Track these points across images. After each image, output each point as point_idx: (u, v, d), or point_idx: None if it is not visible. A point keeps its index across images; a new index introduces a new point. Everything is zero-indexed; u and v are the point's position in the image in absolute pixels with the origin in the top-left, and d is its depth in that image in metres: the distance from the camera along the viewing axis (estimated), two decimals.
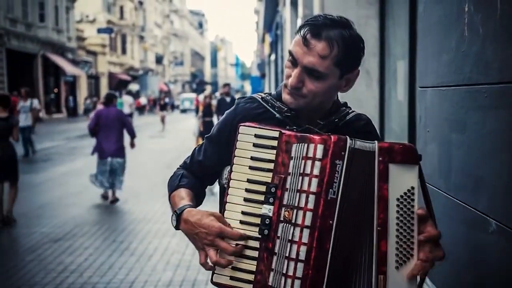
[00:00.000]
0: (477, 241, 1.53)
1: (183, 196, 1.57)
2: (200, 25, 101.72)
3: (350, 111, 1.64)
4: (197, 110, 13.97)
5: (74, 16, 39.28)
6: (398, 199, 1.36)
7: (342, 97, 5.89)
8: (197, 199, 1.61)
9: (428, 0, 1.95)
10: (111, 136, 8.27)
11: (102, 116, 8.37)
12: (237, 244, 1.40)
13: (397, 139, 5.08)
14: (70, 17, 38.03)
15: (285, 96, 1.51)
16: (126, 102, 25.52)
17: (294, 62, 1.46)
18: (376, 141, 1.38)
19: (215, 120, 12.43)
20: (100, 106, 13.00)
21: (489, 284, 1.49)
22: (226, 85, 13.59)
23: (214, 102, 13.55)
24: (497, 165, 1.41)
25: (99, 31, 41.94)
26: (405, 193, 1.37)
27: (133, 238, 6.45)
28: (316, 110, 1.55)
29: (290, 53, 1.48)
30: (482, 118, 1.49)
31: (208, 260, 1.42)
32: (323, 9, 5.70)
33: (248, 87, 71.63)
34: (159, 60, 63.36)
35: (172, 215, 1.51)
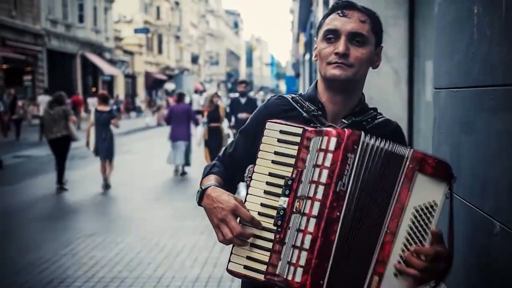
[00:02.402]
0: (483, 243, 1.53)
1: (211, 179, 1.65)
2: (236, 25, 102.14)
3: (379, 116, 1.67)
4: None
5: (112, 17, 40.05)
6: (416, 209, 1.37)
7: (371, 97, 5.83)
8: (227, 189, 1.63)
9: (443, 0, 1.96)
10: (180, 125, 10.92)
11: (174, 110, 11.25)
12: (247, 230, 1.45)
13: (425, 139, 5.03)
14: (108, 18, 38.80)
15: (332, 71, 1.55)
16: (195, 100, 28.00)
17: (334, 37, 1.55)
18: (411, 148, 1.41)
19: (225, 125, 10.90)
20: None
21: (495, 285, 1.49)
22: (242, 82, 10.86)
23: (220, 103, 11.32)
24: (502, 167, 1.41)
25: (136, 31, 42.62)
26: (425, 205, 1.37)
27: (163, 234, 6.58)
28: (347, 98, 1.61)
29: (329, 30, 1.57)
30: (488, 120, 1.50)
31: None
32: None
33: (283, 87, 71.56)
34: (194, 59, 63.95)
35: (197, 192, 1.60)
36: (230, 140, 10.14)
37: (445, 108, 1.91)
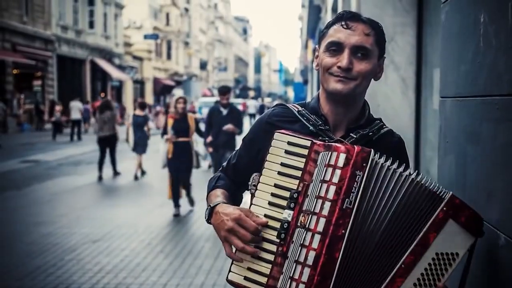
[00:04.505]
0: (490, 255, 1.50)
1: (218, 194, 1.64)
2: (245, 31, 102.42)
3: (384, 126, 1.66)
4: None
5: (121, 23, 40.31)
6: (437, 254, 1.34)
7: (378, 105, 5.74)
8: (233, 201, 1.64)
9: (449, 9, 1.93)
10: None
11: None
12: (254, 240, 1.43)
13: (433, 149, 4.99)
14: (118, 24, 39.06)
15: (334, 85, 1.53)
16: (251, 106, 36.19)
17: (337, 49, 1.52)
18: (450, 192, 1.39)
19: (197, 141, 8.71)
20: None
21: None
22: (226, 92, 8.36)
23: (191, 114, 8.68)
24: (508, 178, 1.39)
25: (146, 37, 42.87)
26: (447, 254, 1.34)
27: (168, 241, 6.57)
28: (349, 109, 1.59)
29: (332, 42, 1.53)
30: (494, 130, 1.47)
31: (234, 249, 1.46)
32: None
33: (291, 93, 71.57)
34: (203, 65, 64.15)
35: (206, 209, 1.59)
36: (204, 161, 8.68)
37: (451, 118, 1.88)
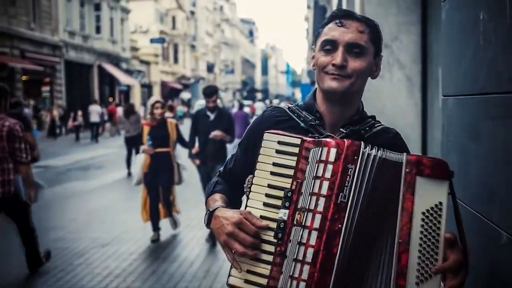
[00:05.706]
0: (491, 253, 1.49)
1: (217, 199, 1.63)
2: (251, 33, 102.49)
3: (377, 124, 1.65)
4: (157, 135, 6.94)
5: (128, 27, 40.48)
6: (423, 213, 1.34)
7: (384, 105, 5.73)
8: (232, 205, 1.63)
9: (449, 7, 1.93)
10: (240, 127, 10.17)
11: (237, 115, 12.15)
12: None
13: (440, 147, 4.96)
14: (125, 28, 39.22)
15: (329, 83, 1.53)
16: (259, 108, 37.77)
17: (332, 47, 1.52)
18: (404, 153, 1.39)
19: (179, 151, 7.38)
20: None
21: None
22: (211, 92, 6.83)
23: (171, 120, 7.25)
24: (509, 177, 1.38)
25: (152, 41, 43.06)
26: (432, 208, 1.34)
27: (176, 244, 6.59)
28: (346, 107, 1.58)
29: (326, 41, 1.53)
30: (494, 128, 1.47)
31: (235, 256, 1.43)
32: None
33: (298, 94, 71.45)
34: (210, 68, 64.30)
35: (205, 214, 1.58)
36: (184, 174, 7.13)
37: (453, 116, 1.88)
